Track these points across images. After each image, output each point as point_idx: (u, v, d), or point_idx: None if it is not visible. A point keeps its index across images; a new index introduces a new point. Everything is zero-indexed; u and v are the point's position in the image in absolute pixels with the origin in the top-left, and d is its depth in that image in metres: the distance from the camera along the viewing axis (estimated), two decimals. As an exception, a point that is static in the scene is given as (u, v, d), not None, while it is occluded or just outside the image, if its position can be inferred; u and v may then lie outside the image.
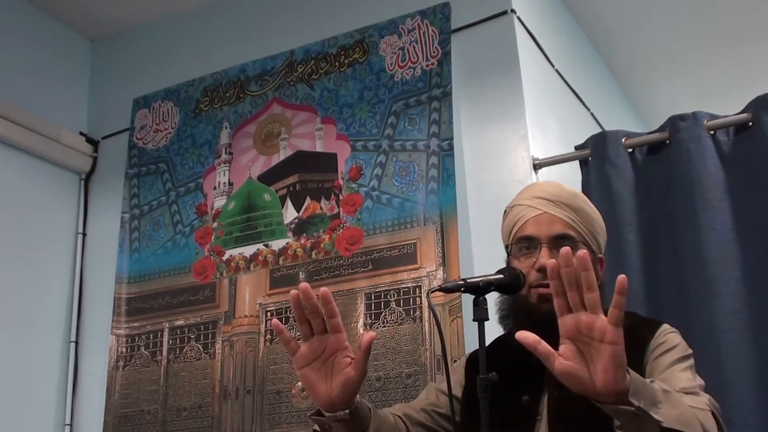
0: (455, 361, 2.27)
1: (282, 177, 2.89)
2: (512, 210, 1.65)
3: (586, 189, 2.45)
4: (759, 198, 2.19)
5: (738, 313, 2.13)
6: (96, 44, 3.59)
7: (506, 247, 1.66)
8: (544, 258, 1.52)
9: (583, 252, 1.25)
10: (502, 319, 1.59)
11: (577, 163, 2.56)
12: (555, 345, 1.30)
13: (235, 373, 2.73)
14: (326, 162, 2.81)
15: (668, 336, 1.52)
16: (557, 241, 1.55)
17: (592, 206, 1.67)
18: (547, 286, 1.48)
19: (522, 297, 1.55)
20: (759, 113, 2.25)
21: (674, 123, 2.35)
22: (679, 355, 1.49)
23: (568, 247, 1.29)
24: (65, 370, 3.08)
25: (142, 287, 3.01)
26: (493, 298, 1.58)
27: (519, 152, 2.54)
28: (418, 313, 2.48)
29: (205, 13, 3.35)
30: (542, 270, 1.51)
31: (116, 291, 3.04)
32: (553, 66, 2.97)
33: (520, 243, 1.59)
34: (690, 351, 1.53)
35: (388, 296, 2.54)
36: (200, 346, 2.83)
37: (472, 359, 1.67)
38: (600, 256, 1.63)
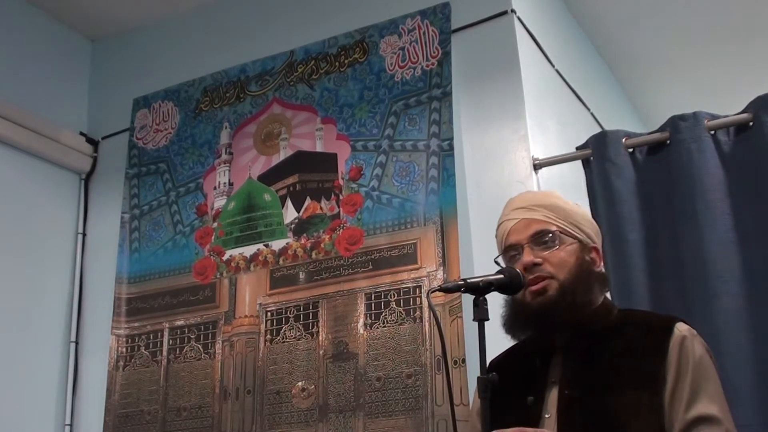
0: (455, 363, 2.28)
1: (282, 177, 2.89)
2: (498, 228, 1.72)
3: (590, 188, 2.45)
4: (759, 198, 2.19)
5: (739, 312, 2.13)
6: (96, 44, 3.59)
7: (496, 262, 1.70)
8: (526, 257, 1.58)
9: None
10: (504, 323, 1.60)
11: (577, 163, 2.56)
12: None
13: (235, 373, 2.73)
14: (326, 162, 2.81)
15: (695, 351, 1.50)
16: (536, 238, 1.60)
17: (570, 203, 1.71)
18: (535, 281, 1.56)
19: (519, 300, 1.59)
20: (759, 113, 2.25)
21: (675, 123, 2.35)
22: (712, 380, 1.49)
23: None
24: (65, 370, 3.07)
25: (142, 287, 3.01)
26: (497, 302, 1.58)
27: (519, 152, 2.54)
28: (418, 313, 2.48)
29: (205, 13, 3.35)
30: (527, 268, 1.57)
31: (116, 291, 3.04)
32: (553, 66, 2.96)
33: (507, 253, 1.65)
34: (715, 366, 1.52)
35: (389, 296, 2.54)
36: (200, 346, 2.82)
37: (491, 369, 1.69)
38: (593, 245, 1.65)
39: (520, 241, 1.61)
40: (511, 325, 1.59)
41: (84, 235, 3.28)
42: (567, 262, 1.57)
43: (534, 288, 1.56)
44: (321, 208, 2.76)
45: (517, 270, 1.55)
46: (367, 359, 2.51)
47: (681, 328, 1.52)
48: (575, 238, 1.61)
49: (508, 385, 1.41)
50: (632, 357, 1.50)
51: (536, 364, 1.59)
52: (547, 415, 1.52)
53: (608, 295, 1.71)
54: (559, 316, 1.53)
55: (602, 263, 1.66)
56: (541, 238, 1.59)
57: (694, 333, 1.53)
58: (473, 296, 1.47)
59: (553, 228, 1.60)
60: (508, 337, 1.63)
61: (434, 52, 2.72)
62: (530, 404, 1.55)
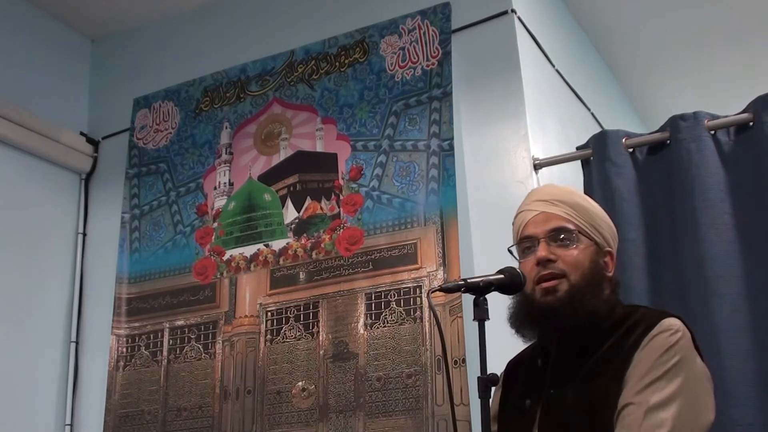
0: (455, 363, 2.28)
1: (282, 177, 2.89)
2: (516, 217, 1.68)
3: (588, 188, 2.45)
4: (759, 197, 2.20)
5: (738, 312, 2.13)
6: (96, 44, 3.59)
7: (510, 251, 1.67)
8: (541, 251, 1.55)
9: None
10: (510, 318, 1.58)
11: (577, 163, 2.56)
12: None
13: (235, 373, 2.73)
14: (327, 162, 2.81)
15: (666, 343, 1.44)
16: (554, 234, 1.57)
17: (593, 203, 1.67)
18: (547, 279, 1.52)
19: (528, 294, 1.56)
20: (760, 113, 2.25)
21: (675, 123, 2.35)
22: (655, 367, 1.42)
23: None
24: (65, 370, 3.07)
25: (142, 287, 3.01)
26: (498, 302, 1.57)
27: (519, 152, 2.54)
28: (418, 313, 2.48)
29: (205, 13, 3.35)
30: (540, 262, 1.54)
31: (116, 291, 3.04)
32: (553, 66, 2.97)
33: (522, 243, 1.62)
34: (675, 358, 1.43)
35: (389, 296, 2.54)
36: (200, 346, 2.83)
37: (508, 369, 1.69)
38: (608, 249, 1.62)
39: (537, 234, 1.58)
40: (516, 321, 1.57)
41: (84, 235, 3.28)
42: (581, 264, 1.54)
43: (545, 285, 1.53)
44: (321, 208, 2.76)
45: (518, 270, 1.54)
46: (368, 359, 2.51)
47: (666, 323, 1.47)
48: (592, 240, 1.58)
49: (515, 388, 1.41)
50: (615, 352, 1.47)
51: (538, 364, 1.58)
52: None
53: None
54: (565, 318, 1.50)
55: (614, 268, 1.62)
56: (558, 235, 1.56)
57: (679, 329, 1.46)
58: (473, 296, 1.47)
59: (572, 227, 1.57)
60: (509, 336, 1.62)
61: (434, 52, 2.72)
62: (528, 407, 1.54)
